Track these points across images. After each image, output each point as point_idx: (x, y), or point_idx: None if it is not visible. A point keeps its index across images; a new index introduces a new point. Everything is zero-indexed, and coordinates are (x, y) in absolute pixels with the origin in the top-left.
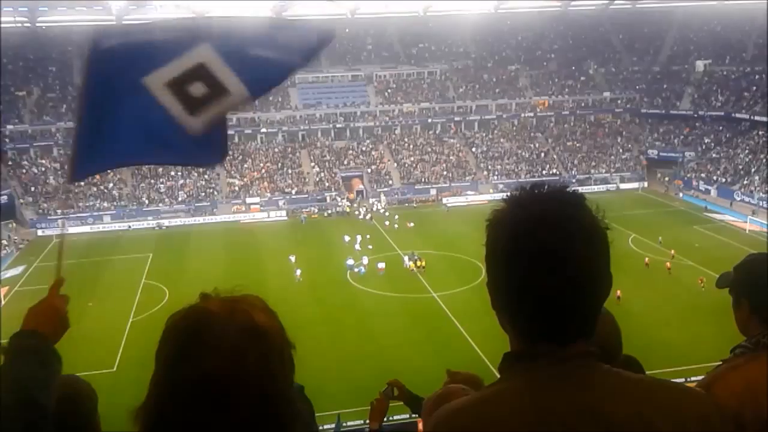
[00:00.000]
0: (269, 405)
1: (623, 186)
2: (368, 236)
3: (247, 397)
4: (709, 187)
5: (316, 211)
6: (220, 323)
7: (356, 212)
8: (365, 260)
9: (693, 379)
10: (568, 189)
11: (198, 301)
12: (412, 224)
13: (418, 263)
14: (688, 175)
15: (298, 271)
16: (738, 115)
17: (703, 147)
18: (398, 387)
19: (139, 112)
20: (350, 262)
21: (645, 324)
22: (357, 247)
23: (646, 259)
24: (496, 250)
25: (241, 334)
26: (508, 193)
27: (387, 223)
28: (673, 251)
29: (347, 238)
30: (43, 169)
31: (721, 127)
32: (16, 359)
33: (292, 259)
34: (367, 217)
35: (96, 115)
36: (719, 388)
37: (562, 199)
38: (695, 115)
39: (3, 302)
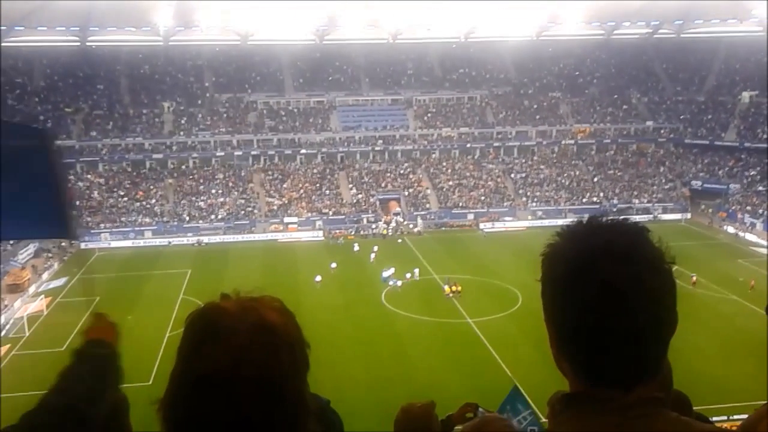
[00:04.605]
0: (278, 400)
1: (665, 217)
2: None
3: (254, 392)
4: (755, 221)
5: (353, 232)
6: (232, 320)
7: (384, 230)
8: (391, 270)
9: (736, 417)
10: (629, 220)
11: (216, 299)
12: (418, 229)
13: (454, 288)
14: (733, 208)
15: (318, 277)
16: None
17: (749, 179)
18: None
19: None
20: (385, 274)
21: (688, 357)
22: (372, 257)
23: (693, 277)
24: (553, 285)
25: (251, 330)
26: (565, 226)
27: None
28: (752, 281)
29: (357, 247)
30: (89, 183)
31: (767, 160)
32: (80, 364)
33: (318, 278)
34: (389, 231)
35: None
36: (764, 427)
37: (624, 231)
38: (740, 147)
39: (45, 312)
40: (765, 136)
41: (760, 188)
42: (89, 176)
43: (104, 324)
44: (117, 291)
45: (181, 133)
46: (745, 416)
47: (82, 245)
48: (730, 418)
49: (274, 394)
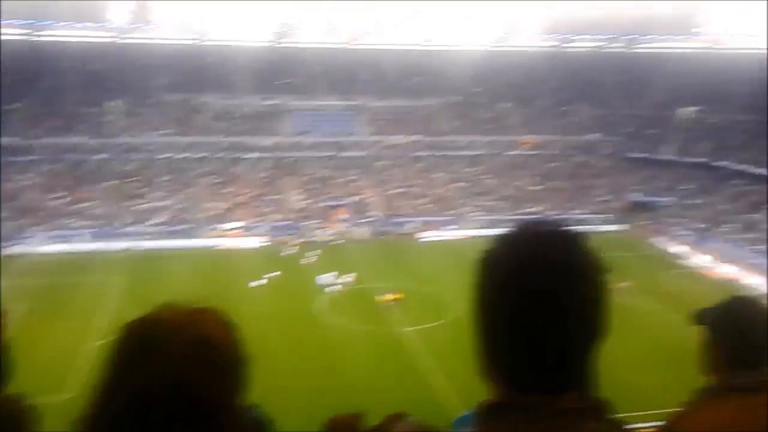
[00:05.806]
0: (211, 417)
1: (603, 228)
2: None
3: (188, 408)
4: (687, 234)
5: (297, 239)
6: (170, 333)
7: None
8: (327, 276)
9: (648, 425)
10: (564, 228)
11: (153, 311)
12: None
13: (389, 297)
14: (668, 221)
15: (254, 283)
16: (720, 164)
17: (684, 194)
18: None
19: None
20: (321, 280)
21: (609, 365)
22: (310, 263)
23: (619, 285)
24: (486, 290)
25: (188, 344)
26: (501, 232)
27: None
28: (670, 291)
29: (296, 252)
30: (25, 184)
31: (702, 175)
32: None
33: (254, 284)
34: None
35: None
36: (684, 426)
37: (558, 238)
38: (678, 162)
39: None
40: (702, 152)
41: (694, 202)
42: (26, 176)
43: None
44: (47, 297)
45: (127, 133)
46: (658, 424)
47: (13, 248)
48: (644, 426)
49: (210, 411)
